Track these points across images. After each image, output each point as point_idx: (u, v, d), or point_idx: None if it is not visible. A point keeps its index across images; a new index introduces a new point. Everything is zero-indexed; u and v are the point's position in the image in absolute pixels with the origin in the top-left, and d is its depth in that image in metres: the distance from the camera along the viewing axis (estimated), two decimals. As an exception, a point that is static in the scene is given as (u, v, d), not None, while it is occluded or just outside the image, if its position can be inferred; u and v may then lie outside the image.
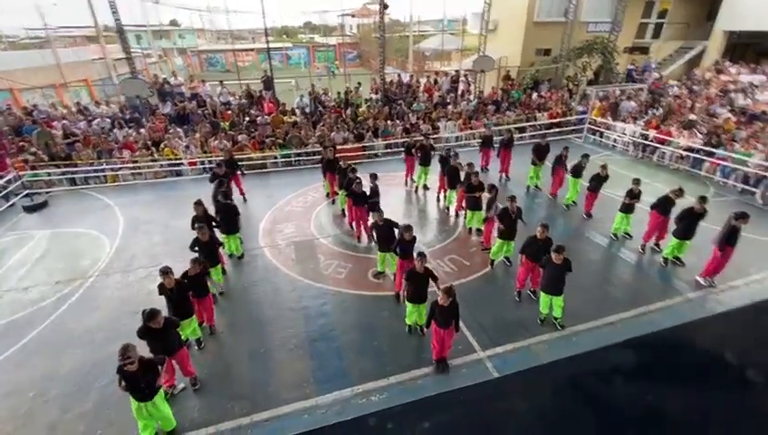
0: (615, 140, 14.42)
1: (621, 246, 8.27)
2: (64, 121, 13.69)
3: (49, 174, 11.74)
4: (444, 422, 0.77)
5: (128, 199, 10.96)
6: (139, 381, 4.05)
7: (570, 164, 9.68)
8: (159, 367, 4.24)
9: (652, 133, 13.13)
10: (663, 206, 7.48)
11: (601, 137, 14.89)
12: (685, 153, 12.08)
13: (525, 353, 5.63)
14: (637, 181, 7.98)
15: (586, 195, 9.26)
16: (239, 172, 10.23)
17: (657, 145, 12.86)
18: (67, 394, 5.14)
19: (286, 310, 6.58)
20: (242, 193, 10.56)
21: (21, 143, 12.20)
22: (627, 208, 8.11)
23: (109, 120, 14.12)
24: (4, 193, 10.72)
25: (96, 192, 11.49)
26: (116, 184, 12.03)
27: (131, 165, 12.17)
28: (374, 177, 8.47)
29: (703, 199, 6.90)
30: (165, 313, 4.87)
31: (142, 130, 13.35)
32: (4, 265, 8.09)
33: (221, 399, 5.02)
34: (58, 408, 4.94)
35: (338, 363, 5.53)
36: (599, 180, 8.88)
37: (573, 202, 10.01)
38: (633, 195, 7.95)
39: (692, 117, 13.66)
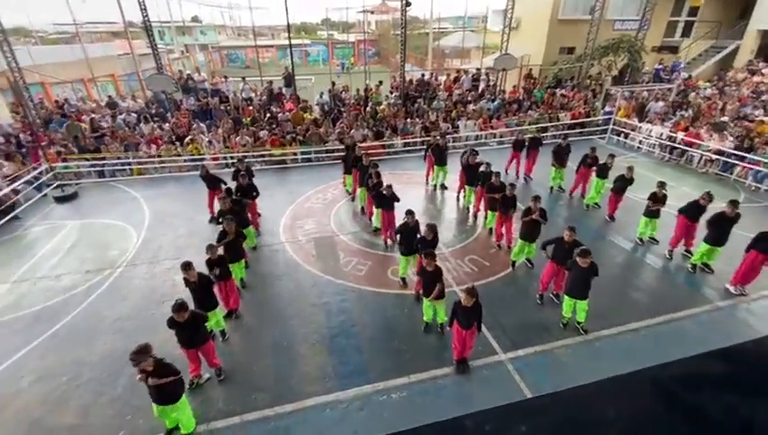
0: (641, 142, 14.06)
1: (647, 251, 8.08)
2: (93, 115, 14.12)
3: (78, 166, 12.13)
4: (542, 426, 0.78)
5: (153, 192, 11.25)
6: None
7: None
8: (172, 377, 4.24)
9: (680, 135, 12.75)
10: (691, 211, 7.26)
11: (626, 138, 14.54)
12: (714, 156, 11.70)
13: (548, 357, 5.57)
14: (661, 184, 7.74)
15: (609, 197, 9.07)
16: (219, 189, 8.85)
17: (686, 148, 12.49)
18: (98, 380, 5.33)
19: (307, 305, 6.67)
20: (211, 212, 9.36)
21: (52, 136, 12.64)
22: (651, 213, 7.90)
23: (135, 114, 14.49)
24: (36, 184, 11.14)
25: (123, 184, 11.83)
26: (142, 177, 12.35)
27: (156, 159, 12.47)
28: (376, 166, 8.62)
29: (734, 203, 6.68)
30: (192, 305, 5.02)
31: (166, 125, 13.66)
32: (38, 253, 8.41)
33: (245, 390, 5.13)
34: (90, 392, 5.13)
35: (358, 359, 5.58)
36: (623, 182, 8.68)
37: (596, 204, 9.83)
38: (657, 198, 7.73)
39: (723, 119, 13.21)
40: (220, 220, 6.88)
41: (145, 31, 14.03)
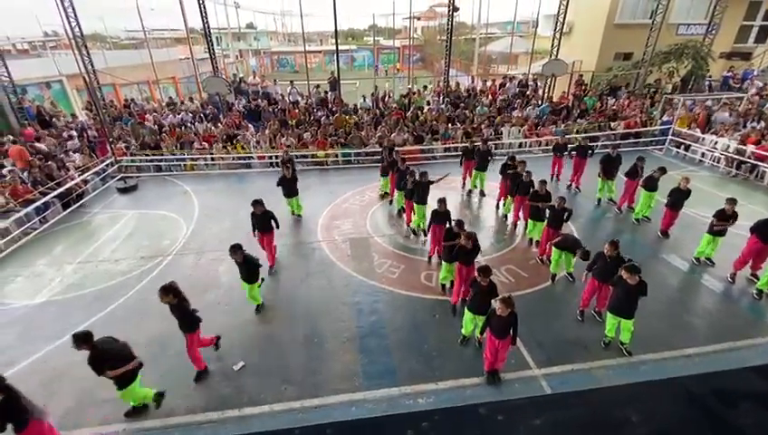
0: (703, 155, 12.99)
1: (705, 272, 7.43)
2: (155, 114, 15.29)
3: (140, 160, 13.15)
4: (556, 421, 0.75)
5: (203, 187, 11.95)
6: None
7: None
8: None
9: (750, 148, 11.65)
10: (762, 229, 6.58)
11: (687, 150, 13.49)
12: (791, 173, 10.58)
13: (585, 376, 5.26)
14: (732, 201, 7.00)
15: (664, 212, 8.46)
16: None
17: (756, 162, 11.39)
18: (145, 358, 5.63)
19: (339, 303, 6.77)
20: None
21: (119, 132, 13.82)
22: (716, 231, 7.21)
23: (191, 114, 15.51)
24: (103, 175, 12.20)
25: (177, 179, 12.66)
26: (194, 172, 13.15)
27: (207, 156, 13.25)
28: (413, 173, 8.66)
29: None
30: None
31: (219, 125, 14.48)
32: (100, 238, 9.19)
33: (275, 381, 5.28)
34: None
35: (387, 361, 5.58)
36: (679, 195, 8.05)
37: (646, 217, 9.21)
38: (725, 216, 7.07)
39: (802, 132, 11.93)
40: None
41: (204, 37, 15.02)
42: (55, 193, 10.07)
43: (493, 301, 4.92)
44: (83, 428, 4.83)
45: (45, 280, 7.66)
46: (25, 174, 10.40)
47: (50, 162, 11.01)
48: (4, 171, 10.35)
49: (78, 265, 8.10)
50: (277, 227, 7.61)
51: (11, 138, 12.36)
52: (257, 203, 7.27)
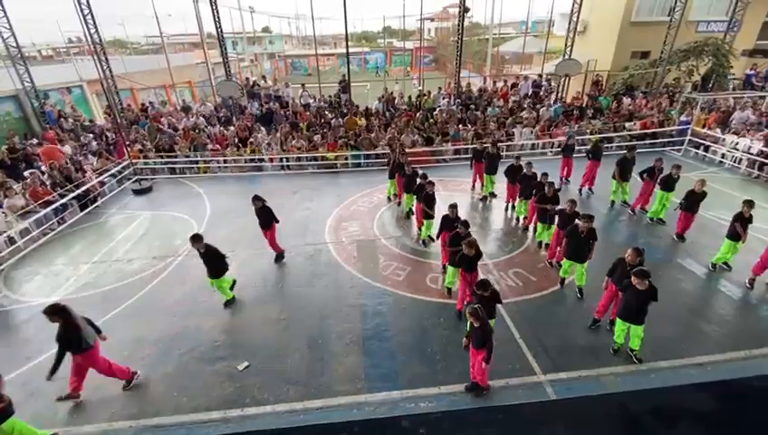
0: (723, 156, 12.56)
1: (722, 277, 7.17)
2: (171, 118, 15.64)
3: (155, 162, 13.47)
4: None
5: (215, 189, 12.16)
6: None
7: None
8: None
9: (774, 149, 11.21)
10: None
11: (706, 151, 13.06)
12: (817, 175, 10.13)
13: (593, 383, 5.13)
14: (749, 203, 6.76)
15: (679, 214, 8.20)
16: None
17: (780, 163, 10.95)
18: (153, 357, 5.82)
19: (345, 305, 6.78)
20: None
21: (134, 135, 14.18)
22: (736, 236, 6.93)
23: (204, 117, 15.80)
24: (119, 177, 12.54)
25: (190, 181, 12.92)
26: (207, 175, 13.39)
27: (220, 158, 13.47)
28: (424, 176, 8.58)
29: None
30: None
31: (231, 128, 14.72)
32: (115, 238, 9.44)
33: (279, 381, 5.32)
34: (145, 368, 5.60)
35: (390, 364, 5.55)
36: (694, 198, 7.79)
37: (661, 220, 8.96)
38: (744, 219, 6.81)
39: (830, 132, 11.42)
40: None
41: (218, 42, 15.30)
42: (73, 195, 10.39)
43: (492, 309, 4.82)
44: (92, 423, 4.94)
45: (62, 279, 7.91)
46: (45, 175, 10.77)
47: (68, 165, 11.37)
48: (26, 173, 10.74)
49: (93, 265, 8.34)
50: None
51: (35, 141, 12.86)
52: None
